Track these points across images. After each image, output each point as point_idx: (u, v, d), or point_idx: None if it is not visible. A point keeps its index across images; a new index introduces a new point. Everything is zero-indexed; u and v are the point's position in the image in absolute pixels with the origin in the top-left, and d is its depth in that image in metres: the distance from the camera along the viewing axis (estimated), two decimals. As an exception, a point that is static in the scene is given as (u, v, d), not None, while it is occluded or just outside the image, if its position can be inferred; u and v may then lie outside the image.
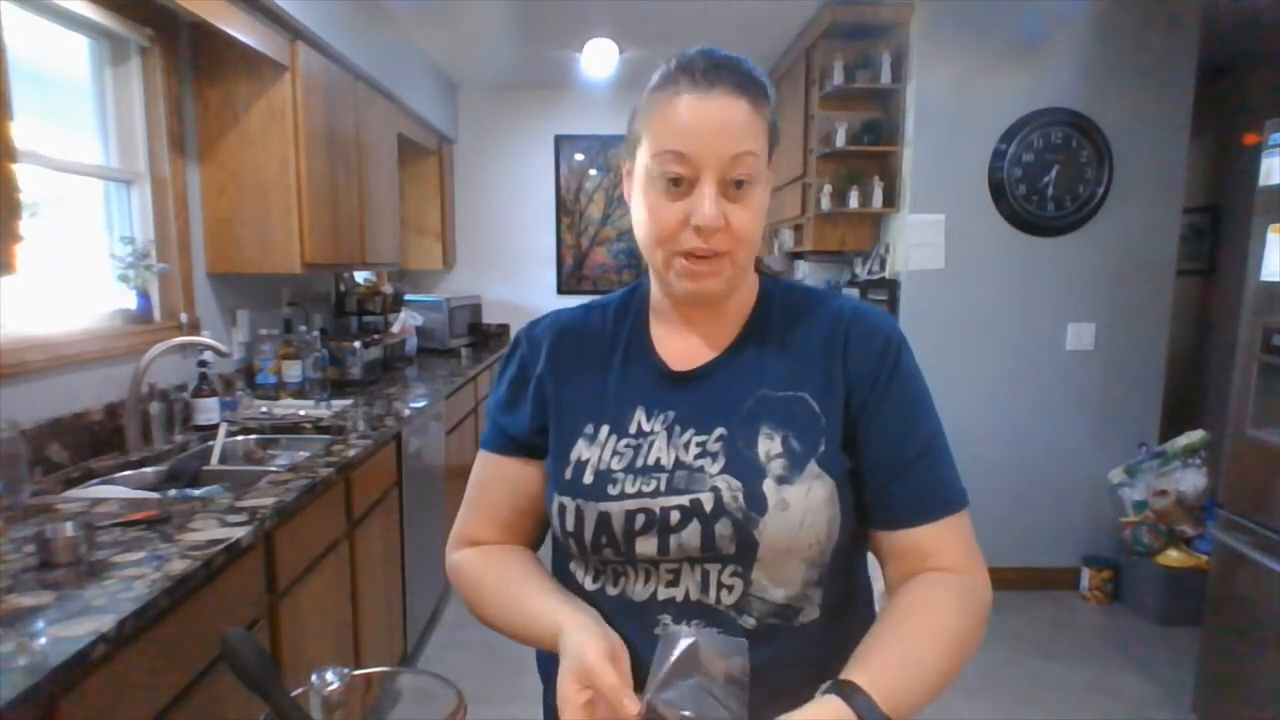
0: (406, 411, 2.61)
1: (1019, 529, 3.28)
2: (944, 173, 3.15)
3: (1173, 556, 3.02)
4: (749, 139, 0.73)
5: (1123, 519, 3.15)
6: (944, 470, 0.79)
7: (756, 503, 0.74)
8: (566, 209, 4.90)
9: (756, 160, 0.74)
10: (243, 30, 2.21)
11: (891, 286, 3.31)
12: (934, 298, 3.20)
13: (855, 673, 0.66)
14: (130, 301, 2.18)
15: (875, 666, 0.67)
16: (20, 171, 1.39)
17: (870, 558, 0.90)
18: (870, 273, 3.50)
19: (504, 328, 4.97)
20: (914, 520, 0.77)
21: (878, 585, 0.91)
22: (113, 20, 2.03)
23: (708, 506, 0.74)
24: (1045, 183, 3.15)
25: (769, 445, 0.76)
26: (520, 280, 4.96)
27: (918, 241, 3.19)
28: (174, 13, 2.12)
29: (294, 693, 0.64)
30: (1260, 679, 2.13)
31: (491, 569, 0.86)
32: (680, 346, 0.84)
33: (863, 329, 0.81)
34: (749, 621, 0.76)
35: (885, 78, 3.21)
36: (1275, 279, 2.12)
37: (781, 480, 0.75)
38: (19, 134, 1.40)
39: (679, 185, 0.73)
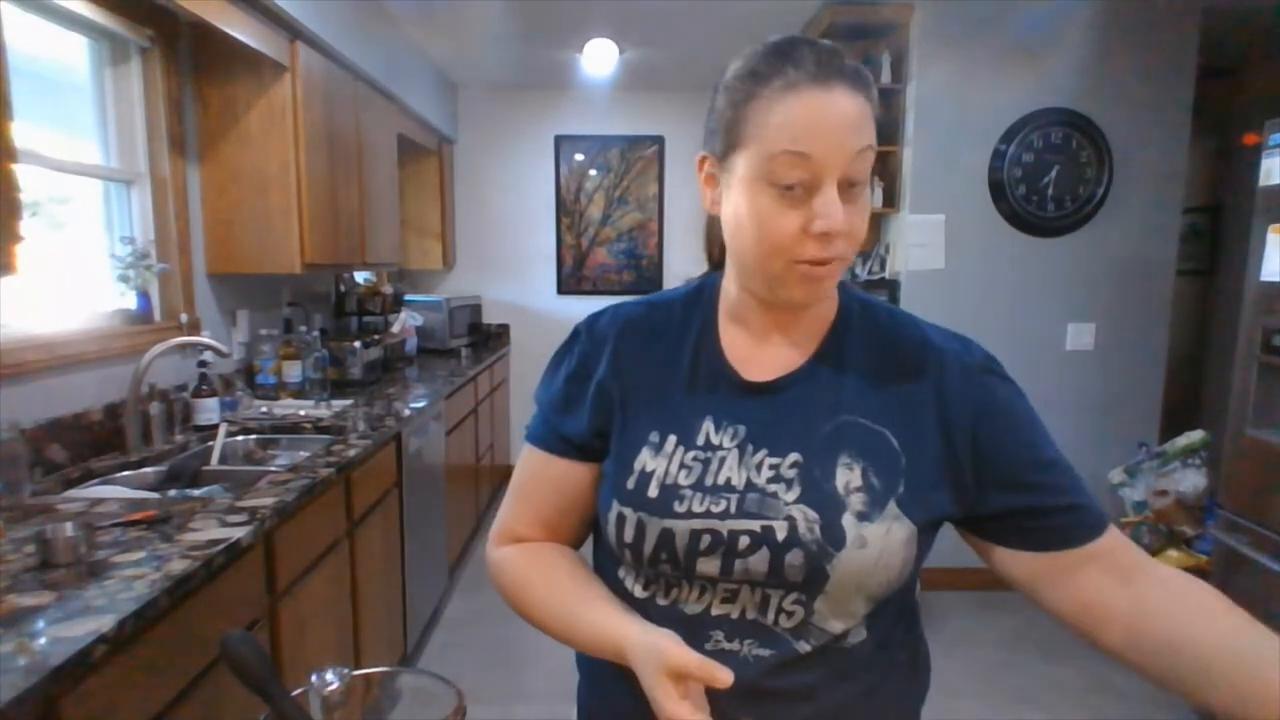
0: (406, 411, 2.61)
1: (1019, 529, 3.27)
2: (944, 173, 3.15)
3: (1173, 557, 3.02)
4: (867, 134, 0.68)
5: (1123, 519, 3.14)
6: (1083, 484, 0.76)
7: (834, 536, 0.71)
8: (566, 209, 4.90)
9: (871, 156, 0.69)
10: (243, 30, 2.21)
11: (891, 286, 3.30)
12: (934, 298, 3.20)
13: None
14: (130, 301, 2.18)
15: None
16: (20, 171, 1.40)
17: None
18: (870, 273, 3.50)
19: (504, 328, 4.97)
20: (1091, 530, 0.73)
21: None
22: (113, 20, 2.03)
23: (780, 535, 0.71)
24: (1045, 183, 3.15)
25: (848, 477, 0.72)
26: (520, 280, 4.96)
27: (918, 241, 3.19)
28: (174, 13, 2.12)
29: (294, 693, 0.64)
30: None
31: (537, 572, 0.81)
32: (753, 354, 0.79)
33: (957, 367, 0.76)
34: (804, 647, 0.73)
35: (885, 78, 3.21)
36: (1275, 279, 2.12)
37: (862, 517, 0.71)
38: (19, 134, 1.41)
39: (793, 190, 0.68)
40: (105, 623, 1.02)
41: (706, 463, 0.75)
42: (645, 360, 0.81)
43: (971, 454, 0.74)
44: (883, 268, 3.41)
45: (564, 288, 4.96)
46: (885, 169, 3.38)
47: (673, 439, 0.77)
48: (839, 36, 3.33)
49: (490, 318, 4.94)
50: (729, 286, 0.81)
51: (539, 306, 4.96)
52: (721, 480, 0.74)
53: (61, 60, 2.04)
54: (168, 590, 1.15)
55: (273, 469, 2.01)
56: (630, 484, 0.76)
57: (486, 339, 4.77)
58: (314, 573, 1.82)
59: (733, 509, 0.72)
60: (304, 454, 2.14)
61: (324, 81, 2.69)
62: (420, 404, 2.78)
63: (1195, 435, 3.08)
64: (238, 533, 1.39)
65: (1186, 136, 3.15)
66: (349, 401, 2.75)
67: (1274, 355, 2.12)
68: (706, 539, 0.72)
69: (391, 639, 2.47)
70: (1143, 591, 0.70)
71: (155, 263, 2.25)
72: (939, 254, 3.19)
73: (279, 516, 1.56)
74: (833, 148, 0.67)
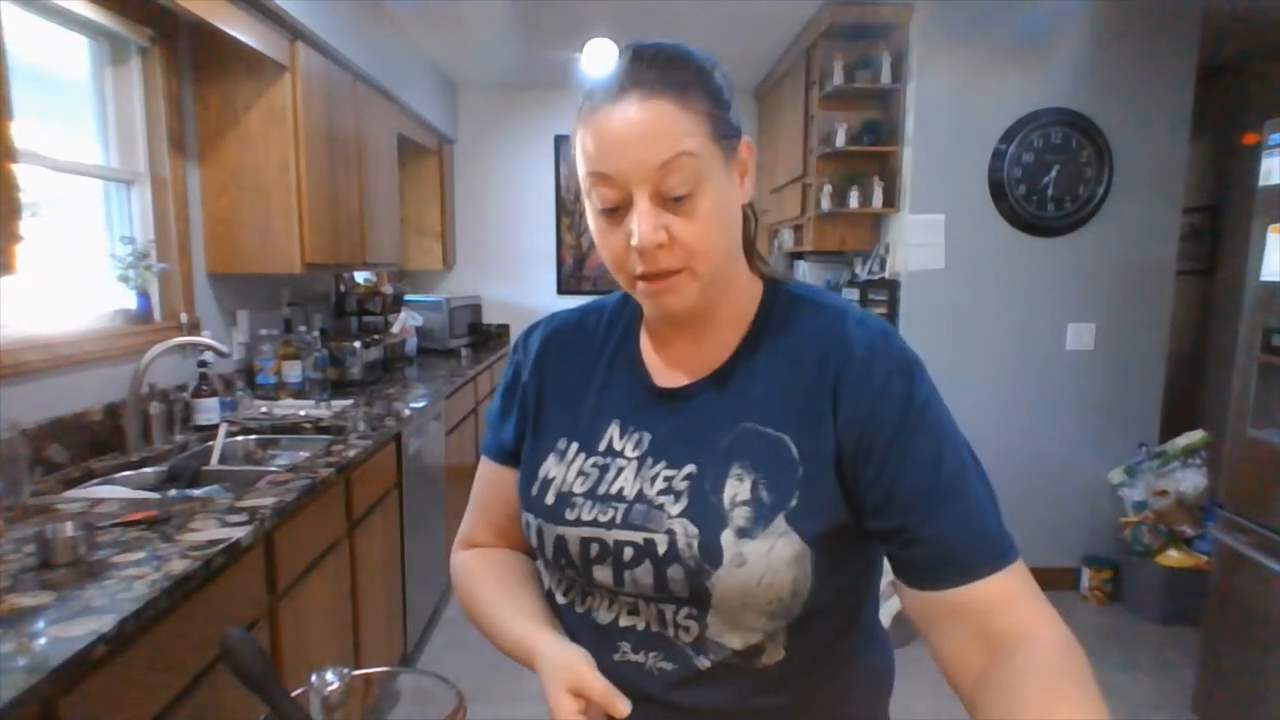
0: (406, 412, 2.61)
1: (1019, 529, 3.14)
2: (944, 173, 3.15)
3: (1173, 556, 3.02)
4: (681, 140, 0.64)
5: (1123, 519, 3.15)
6: (982, 513, 0.66)
7: (710, 553, 0.68)
8: (566, 209, 4.90)
9: (694, 161, 0.65)
10: (243, 30, 2.21)
11: (891, 286, 3.30)
12: (934, 298, 3.20)
13: None
14: (130, 301, 2.18)
15: None
16: (20, 171, 1.40)
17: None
18: (870, 273, 3.50)
19: (504, 328, 4.97)
20: (954, 576, 0.64)
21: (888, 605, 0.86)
22: (113, 20, 2.03)
23: (661, 549, 0.70)
24: (1045, 183, 3.15)
25: (737, 489, 0.69)
26: (520, 280, 4.96)
27: (918, 241, 3.19)
28: (174, 13, 2.12)
29: (294, 693, 0.64)
30: (1260, 679, 2.13)
31: (482, 578, 0.84)
32: (670, 360, 0.78)
33: (860, 367, 0.69)
34: (704, 662, 0.71)
35: (885, 78, 3.21)
36: (1275, 279, 2.12)
37: (742, 533, 0.67)
38: (19, 134, 1.40)
39: (615, 212, 0.68)
40: (105, 623, 1.02)
41: (604, 470, 0.75)
42: (565, 367, 0.83)
43: (856, 463, 0.68)
44: (883, 268, 3.41)
45: (564, 288, 4.96)
46: (885, 169, 3.38)
47: (575, 445, 0.78)
48: (839, 36, 3.34)
49: (490, 318, 4.94)
50: None
51: (539, 306, 4.96)
52: (614, 490, 0.74)
53: (61, 60, 2.04)
54: (168, 590, 1.15)
55: (273, 469, 2.01)
56: (534, 491, 0.78)
57: (486, 339, 4.77)
58: (314, 573, 1.82)
59: (618, 519, 0.72)
60: (304, 454, 2.14)
61: (324, 81, 2.69)
62: (420, 404, 2.78)
63: (1195, 435, 3.08)
64: (238, 533, 1.39)
65: (1186, 136, 3.15)
66: (349, 401, 2.75)
67: (1274, 355, 2.12)
68: (596, 547, 0.73)
69: (391, 639, 2.47)
70: (996, 668, 0.60)
71: (155, 263, 2.25)
72: (939, 254, 3.19)
73: (279, 516, 1.56)
74: (630, 163, 0.65)
